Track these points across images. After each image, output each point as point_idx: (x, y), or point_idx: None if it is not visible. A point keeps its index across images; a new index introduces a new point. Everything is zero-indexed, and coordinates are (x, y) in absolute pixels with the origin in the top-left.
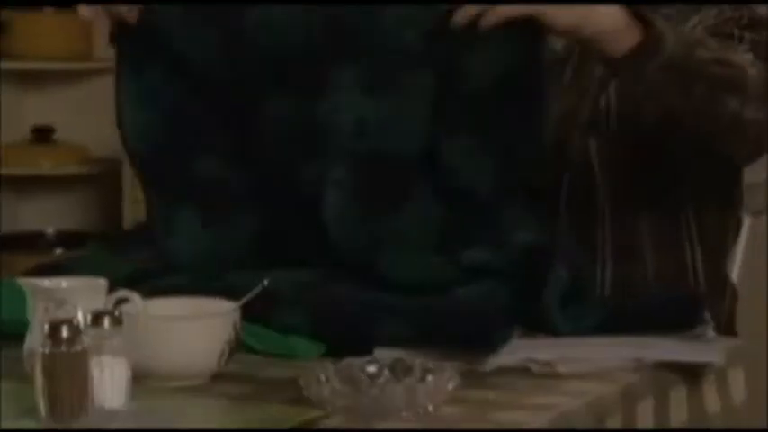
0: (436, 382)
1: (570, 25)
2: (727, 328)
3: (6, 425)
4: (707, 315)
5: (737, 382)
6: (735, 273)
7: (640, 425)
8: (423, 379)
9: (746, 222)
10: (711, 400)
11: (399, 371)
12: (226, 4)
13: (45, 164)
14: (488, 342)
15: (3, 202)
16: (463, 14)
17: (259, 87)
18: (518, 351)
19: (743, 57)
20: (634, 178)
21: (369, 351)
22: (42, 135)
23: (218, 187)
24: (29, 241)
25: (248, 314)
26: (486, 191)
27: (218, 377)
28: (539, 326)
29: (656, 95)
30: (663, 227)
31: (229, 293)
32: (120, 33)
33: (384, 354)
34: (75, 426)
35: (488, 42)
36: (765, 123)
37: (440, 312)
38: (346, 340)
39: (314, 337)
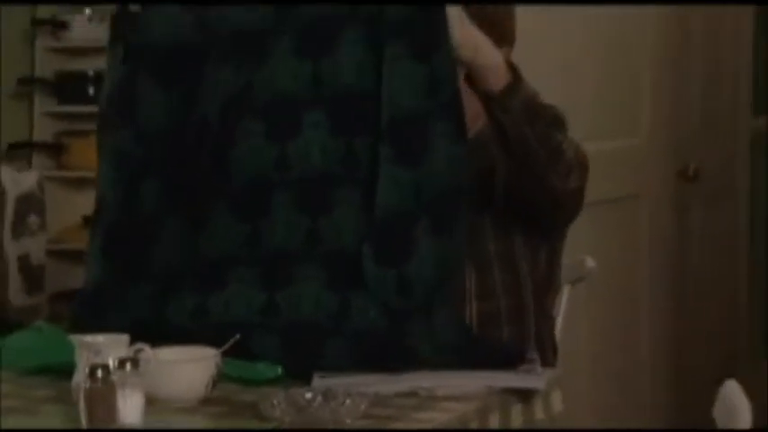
0: (353, 404)
1: (469, 55)
2: (552, 355)
3: None
4: (535, 356)
5: (556, 400)
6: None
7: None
8: (343, 402)
9: (566, 289)
10: (538, 411)
11: (328, 396)
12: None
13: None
14: (391, 361)
15: (60, 268)
16: None
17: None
18: (409, 381)
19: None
20: (495, 241)
21: (310, 374)
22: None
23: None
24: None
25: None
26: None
27: (205, 401)
28: (416, 357)
29: (515, 125)
30: (509, 279)
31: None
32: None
33: (319, 382)
34: None
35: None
36: (579, 192)
37: (363, 350)
38: (295, 367)
39: (275, 362)
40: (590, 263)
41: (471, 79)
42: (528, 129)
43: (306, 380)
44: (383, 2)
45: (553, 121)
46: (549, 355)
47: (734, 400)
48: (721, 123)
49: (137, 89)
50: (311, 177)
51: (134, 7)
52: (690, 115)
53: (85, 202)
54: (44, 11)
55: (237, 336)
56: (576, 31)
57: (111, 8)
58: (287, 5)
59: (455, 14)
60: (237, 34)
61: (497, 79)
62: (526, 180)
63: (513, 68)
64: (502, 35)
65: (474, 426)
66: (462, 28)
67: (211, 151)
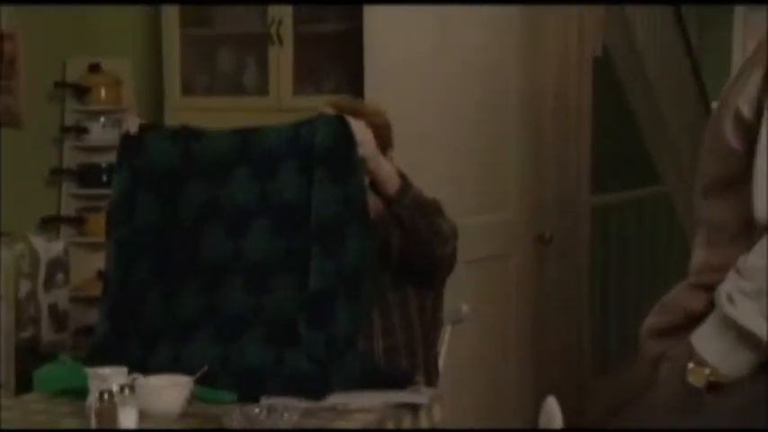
0: (289, 416)
1: (372, 169)
2: (435, 378)
3: None
4: (420, 379)
5: (437, 411)
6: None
7: None
8: (282, 415)
9: (448, 328)
10: (423, 421)
11: (271, 410)
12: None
13: None
14: (319, 394)
15: (80, 311)
16: None
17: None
18: (329, 399)
19: None
20: (393, 291)
21: (258, 399)
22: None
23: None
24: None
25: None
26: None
27: (183, 415)
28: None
29: (408, 216)
30: (404, 320)
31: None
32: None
33: (264, 401)
34: None
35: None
36: (453, 255)
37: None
38: (245, 393)
39: (230, 391)
40: (465, 308)
41: (373, 185)
42: (417, 217)
43: (255, 400)
44: (314, 134)
45: (434, 209)
46: (433, 378)
47: (551, 412)
48: (569, 199)
49: (135, 198)
50: (258, 266)
51: (134, 131)
52: (545, 194)
53: (99, 260)
54: (70, 119)
55: (206, 367)
56: (461, 133)
57: (119, 117)
58: (247, 142)
59: (365, 137)
60: (211, 162)
61: (392, 185)
62: (416, 250)
63: (402, 176)
64: (385, 141)
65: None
66: (370, 150)
67: (186, 243)
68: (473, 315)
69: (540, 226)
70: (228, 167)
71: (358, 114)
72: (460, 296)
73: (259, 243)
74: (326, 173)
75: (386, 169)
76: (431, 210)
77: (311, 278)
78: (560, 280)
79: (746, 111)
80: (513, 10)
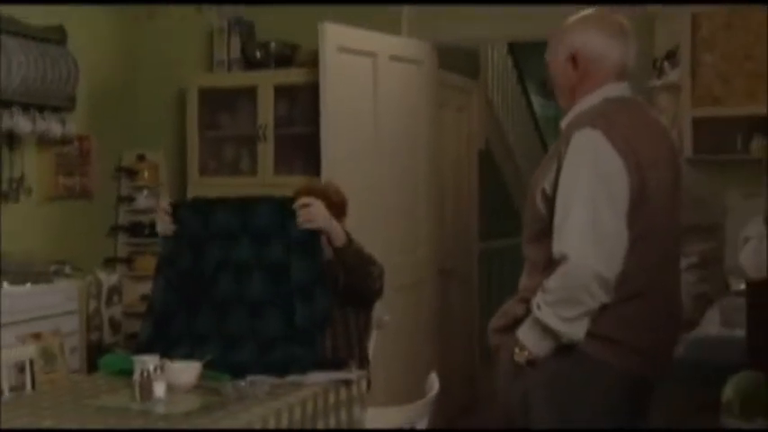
0: (265, 386)
1: (327, 229)
2: (367, 364)
3: (133, 406)
4: (353, 364)
5: (363, 385)
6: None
7: (330, 401)
8: (261, 386)
9: (375, 331)
10: (353, 391)
11: (253, 384)
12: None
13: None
14: (289, 372)
15: (129, 322)
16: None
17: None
18: (290, 377)
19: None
20: (339, 309)
21: (244, 376)
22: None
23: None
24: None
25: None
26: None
27: (195, 387)
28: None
29: (351, 262)
30: (345, 328)
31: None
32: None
33: (250, 378)
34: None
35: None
36: (381, 289)
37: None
38: (237, 373)
39: (227, 371)
40: (386, 318)
41: (328, 239)
42: (357, 264)
43: (242, 378)
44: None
45: (368, 260)
46: (364, 364)
47: (432, 383)
48: (462, 243)
49: (175, 256)
50: (256, 302)
51: (166, 206)
52: (447, 240)
53: (143, 288)
54: (124, 191)
55: (210, 356)
56: (389, 201)
57: (156, 191)
58: (247, 219)
59: (320, 211)
60: (223, 233)
61: (340, 241)
62: (354, 285)
63: (348, 234)
64: (342, 211)
65: (321, 396)
66: (321, 219)
67: (206, 285)
68: (392, 322)
69: (443, 262)
70: (235, 237)
71: (321, 194)
72: (391, 310)
73: (257, 287)
74: (300, 249)
75: (337, 230)
76: (366, 259)
77: (296, 317)
78: (457, 299)
79: (548, 189)
80: (424, 115)
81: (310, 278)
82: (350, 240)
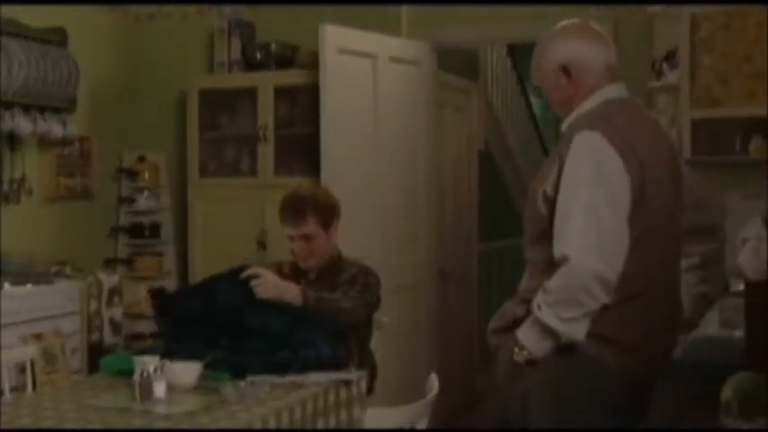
0: (265, 386)
1: (278, 297)
2: (368, 365)
3: (133, 406)
4: (353, 365)
5: (362, 385)
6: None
7: (330, 401)
8: (261, 386)
9: (375, 333)
10: (353, 391)
11: (253, 384)
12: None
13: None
14: (287, 371)
15: (129, 323)
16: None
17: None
18: (291, 377)
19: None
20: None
21: (244, 376)
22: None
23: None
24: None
25: (207, 366)
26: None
27: (195, 387)
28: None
29: (318, 307)
30: (355, 334)
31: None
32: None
33: (251, 378)
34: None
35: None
36: (365, 305)
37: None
38: (237, 373)
39: (227, 371)
40: (385, 319)
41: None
42: (325, 308)
43: (242, 378)
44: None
45: (333, 302)
46: (365, 365)
47: (432, 383)
48: (462, 244)
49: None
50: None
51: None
52: (446, 242)
53: (143, 288)
54: (124, 192)
55: (210, 357)
56: (388, 202)
57: (158, 189)
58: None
59: (267, 279)
60: (221, 310)
61: (296, 300)
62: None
63: (303, 292)
64: (334, 214)
65: (321, 396)
66: (274, 285)
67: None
68: (391, 323)
69: (443, 262)
70: (240, 313)
71: (309, 199)
72: (390, 311)
73: (257, 326)
74: (280, 315)
75: (289, 294)
76: (330, 302)
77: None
78: (457, 300)
79: (549, 190)
80: (423, 116)
81: (286, 329)
82: (305, 296)
